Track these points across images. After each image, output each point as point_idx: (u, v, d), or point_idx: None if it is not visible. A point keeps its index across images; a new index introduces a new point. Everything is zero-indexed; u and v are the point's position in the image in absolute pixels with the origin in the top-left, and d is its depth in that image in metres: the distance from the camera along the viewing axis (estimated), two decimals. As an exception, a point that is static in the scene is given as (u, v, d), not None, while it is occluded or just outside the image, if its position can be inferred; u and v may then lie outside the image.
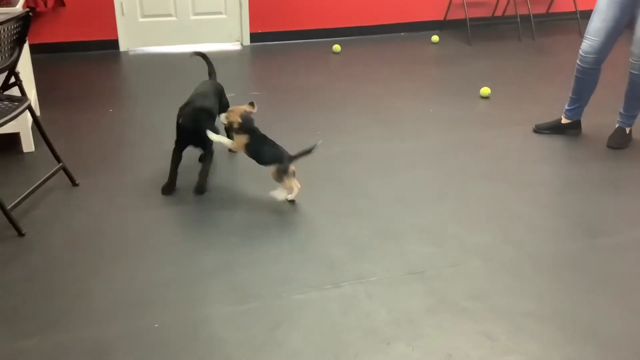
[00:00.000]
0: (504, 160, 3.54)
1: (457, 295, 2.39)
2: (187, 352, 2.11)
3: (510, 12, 6.27)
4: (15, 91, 3.05)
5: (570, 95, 3.81)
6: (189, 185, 3.14)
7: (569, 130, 3.86)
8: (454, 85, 4.79)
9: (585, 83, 3.71)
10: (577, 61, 3.67)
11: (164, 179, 3.12)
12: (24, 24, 2.93)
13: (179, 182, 3.14)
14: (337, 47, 5.62)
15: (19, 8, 3.32)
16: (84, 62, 5.28)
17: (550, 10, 6.49)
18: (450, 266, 2.57)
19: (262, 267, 2.56)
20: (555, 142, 3.78)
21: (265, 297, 2.38)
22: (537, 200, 3.12)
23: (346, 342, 2.16)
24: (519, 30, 5.99)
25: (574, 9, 6.13)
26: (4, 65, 2.88)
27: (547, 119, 3.93)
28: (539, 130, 3.90)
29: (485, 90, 4.51)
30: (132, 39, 5.61)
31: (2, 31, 2.74)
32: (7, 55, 2.88)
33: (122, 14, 5.49)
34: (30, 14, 2.93)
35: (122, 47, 5.57)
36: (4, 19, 2.73)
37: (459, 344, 2.15)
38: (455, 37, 6.04)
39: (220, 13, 5.75)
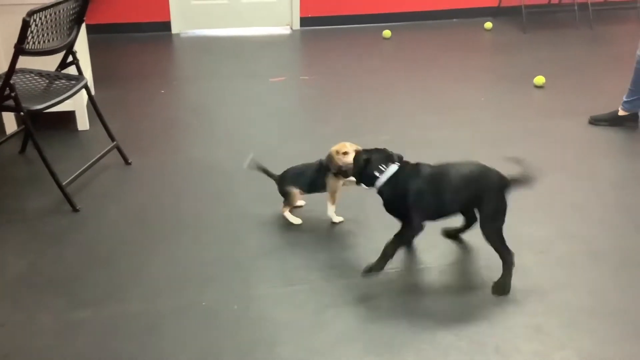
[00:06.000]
0: (560, 152, 3.44)
1: (509, 287, 2.34)
2: (235, 329, 2.12)
3: (567, -1, 6.10)
4: (72, 70, 3.11)
5: (629, 87, 3.67)
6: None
7: (627, 122, 3.73)
8: (507, 74, 4.67)
9: (646, 74, 3.57)
10: (637, 52, 3.53)
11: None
12: (82, 4, 2.98)
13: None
14: (387, 33, 5.55)
15: (77, -12, 3.37)
16: (136, 43, 5.36)
17: (610, -1, 6.28)
18: (501, 257, 2.52)
19: (309, 252, 2.56)
20: (612, 135, 3.66)
21: (312, 281, 2.38)
22: (595, 193, 3.03)
23: (392, 326, 2.14)
24: (576, 19, 5.80)
25: (635, -2, 5.92)
26: (63, 44, 2.93)
27: (603, 110, 3.81)
28: (595, 121, 3.78)
29: (539, 80, 4.39)
30: (184, 21, 5.66)
31: (62, 11, 2.79)
32: (65, 34, 2.93)
33: (175, -4, 5.54)
34: (89, -6, 2.98)
35: (174, 29, 5.63)
36: (64, -1, 2.78)
37: (508, 336, 2.10)
38: (509, 24, 5.90)
39: (271, -3, 5.75)
